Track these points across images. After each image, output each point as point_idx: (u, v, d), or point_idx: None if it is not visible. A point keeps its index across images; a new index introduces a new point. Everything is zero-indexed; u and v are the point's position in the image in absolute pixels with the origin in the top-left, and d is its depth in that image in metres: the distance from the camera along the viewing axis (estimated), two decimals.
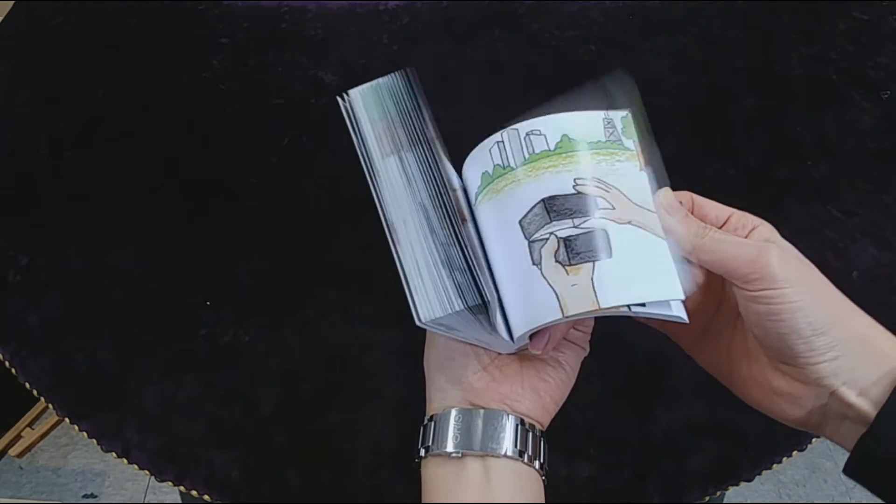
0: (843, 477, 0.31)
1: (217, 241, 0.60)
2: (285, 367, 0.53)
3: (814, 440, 0.50)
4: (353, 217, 0.61)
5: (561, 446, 0.50)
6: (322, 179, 0.63)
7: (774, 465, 0.49)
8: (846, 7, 0.74)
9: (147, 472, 0.50)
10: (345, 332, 0.55)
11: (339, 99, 0.30)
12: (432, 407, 0.36)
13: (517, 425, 0.34)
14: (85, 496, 1.21)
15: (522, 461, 0.34)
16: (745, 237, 0.32)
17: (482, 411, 0.34)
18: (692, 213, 0.33)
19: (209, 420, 0.51)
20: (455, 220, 0.28)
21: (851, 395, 0.30)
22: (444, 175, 0.29)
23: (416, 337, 0.38)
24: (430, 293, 0.26)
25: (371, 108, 0.30)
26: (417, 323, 0.26)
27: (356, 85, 0.32)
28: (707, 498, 0.48)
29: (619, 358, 0.53)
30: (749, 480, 0.49)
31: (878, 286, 0.56)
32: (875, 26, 0.73)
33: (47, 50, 0.75)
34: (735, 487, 0.49)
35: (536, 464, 0.34)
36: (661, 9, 0.75)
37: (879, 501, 0.30)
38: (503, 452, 0.33)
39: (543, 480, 0.35)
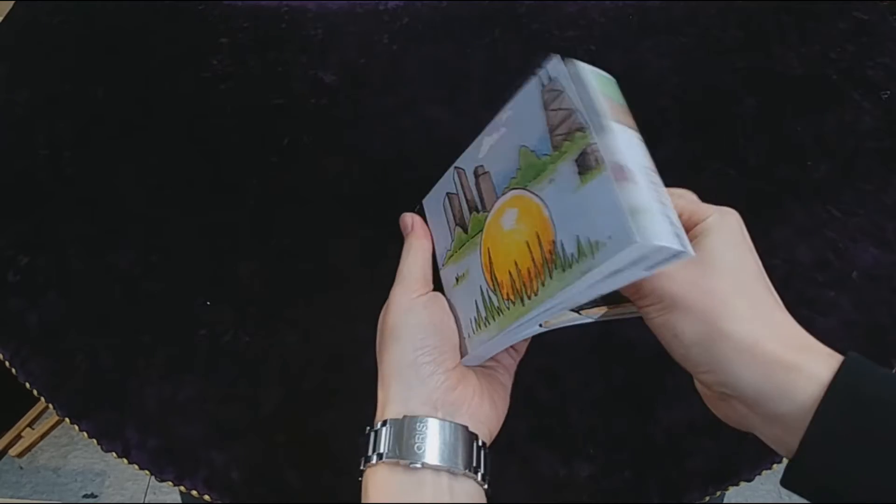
0: None
1: (217, 241, 0.60)
2: (285, 367, 0.53)
3: None
4: (353, 217, 0.61)
5: (561, 446, 0.50)
6: (322, 179, 0.63)
7: (774, 465, 0.49)
8: (846, 7, 0.74)
9: (147, 472, 0.50)
10: (345, 332, 0.55)
11: (556, 57, 0.33)
12: (389, 410, 0.35)
13: (472, 440, 0.34)
14: (85, 496, 1.21)
15: (476, 479, 0.34)
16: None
17: (438, 422, 0.34)
18: None
19: (209, 420, 0.51)
20: (663, 189, 0.30)
21: (747, 404, 0.30)
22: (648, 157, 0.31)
23: None
24: (657, 227, 0.27)
25: (600, 84, 0.33)
26: (635, 243, 0.27)
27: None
28: (707, 498, 0.48)
29: (619, 358, 0.53)
30: (749, 480, 0.49)
31: (878, 286, 0.56)
32: (875, 26, 0.73)
33: (47, 50, 0.75)
34: (735, 487, 0.49)
35: (479, 475, 0.34)
36: (661, 9, 0.75)
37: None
38: (461, 470, 0.33)
39: (486, 491, 0.35)
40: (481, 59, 0.71)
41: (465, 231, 0.37)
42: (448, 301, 0.37)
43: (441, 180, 0.40)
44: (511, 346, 0.40)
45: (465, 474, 0.33)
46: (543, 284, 0.30)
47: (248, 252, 0.59)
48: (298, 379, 0.53)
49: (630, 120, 0.32)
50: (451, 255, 0.38)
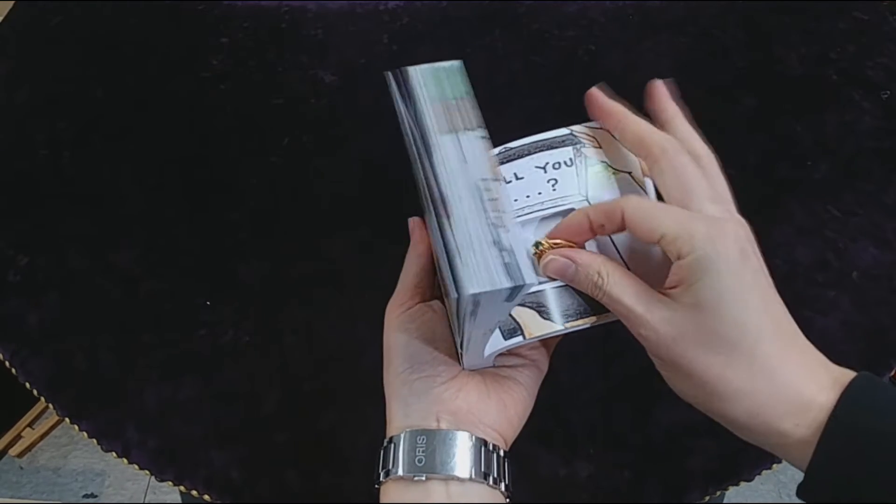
0: None
1: (217, 241, 0.60)
2: (285, 367, 0.53)
3: None
4: (353, 217, 0.61)
5: (561, 446, 0.50)
6: (322, 179, 0.63)
7: (774, 465, 0.49)
8: (846, 7, 0.74)
9: (147, 472, 0.50)
10: (345, 332, 0.55)
11: (388, 73, 0.31)
12: (393, 427, 0.35)
13: (480, 446, 0.34)
14: (85, 496, 1.21)
15: (487, 484, 0.33)
16: (678, 258, 0.30)
17: (443, 432, 0.34)
18: (622, 228, 0.31)
19: (209, 420, 0.51)
20: (501, 206, 0.28)
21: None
22: (494, 164, 0.29)
23: None
24: (480, 268, 0.26)
25: (430, 86, 0.31)
26: (455, 295, 0.26)
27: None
28: (707, 498, 0.48)
29: (619, 358, 0.53)
30: (749, 480, 0.49)
31: (878, 286, 0.56)
32: (875, 26, 0.73)
33: (47, 50, 0.75)
34: (735, 487, 0.49)
35: (502, 486, 0.34)
36: (661, 9, 0.75)
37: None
38: (467, 476, 0.33)
39: (504, 493, 0.35)
40: (481, 59, 0.71)
41: None
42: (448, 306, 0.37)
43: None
44: (526, 357, 0.38)
45: (472, 480, 0.33)
46: None
47: (247, 252, 0.59)
48: (298, 379, 0.53)
49: (468, 116, 0.30)
50: None
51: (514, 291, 0.26)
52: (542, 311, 0.31)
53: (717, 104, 0.67)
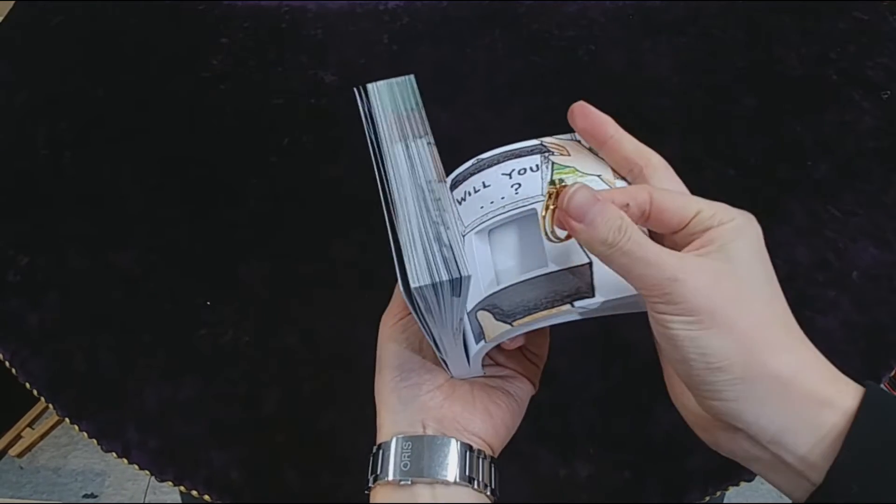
0: None
1: (217, 241, 0.60)
2: (285, 367, 0.53)
3: None
4: (353, 217, 0.61)
5: (561, 446, 0.50)
6: (322, 179, 0.63)
7: None
8: (846, 7, 0.74)
9: (147, 472, 0.50)
10: (345, 332, 0.55)
11: (356, 89, 0.34)
12: (382, 434, 0.36)
13: (465, 451, 0.34)
14: (85, 496, 1.21)
15: (472, 487, 0.34)
16: (719, 225, 0.28)
17: (429, 438, 0.34)
18: (649, 217, 0.29)
19: (209, 420, 0.51)
20: (443, 205, 0.31)
21: (763, 441, 0.28)
22: (438, 167, 0.32)
23: None
24: (420, 264, 0.28)
25: (386, 101, 0.34)
26: (402, 290, 0.28)
27: (356, 84, 0.35)
28: (707, 498, 0.48)
29: (619, 358, 0.53)
30: (749, 480, 0.49)
31: (878, 286, 0.56)
32: (875, 26, 0.73)
33: (47, 50, 0.75)
34: (735, 487, 0.49)
35: (488, 490, 0.34)
36: (661, 9, 0.75)
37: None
38: (452, 479, 0.33)
39: (490, 498, 0.35)
40: (481, 59, 0.71)
41: None
42: None
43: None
44: (525, 351, 0.38)
45: (457, 484, 0.33)
46: None
47: (248, 252, 0.59)
48: (298, 379, 0.53)
49: (418, 125, 0.33)
50: None
51: (455, 284, 0.27)
52: (495, 312, 0.32)
53: (717, 104, 0.67)
